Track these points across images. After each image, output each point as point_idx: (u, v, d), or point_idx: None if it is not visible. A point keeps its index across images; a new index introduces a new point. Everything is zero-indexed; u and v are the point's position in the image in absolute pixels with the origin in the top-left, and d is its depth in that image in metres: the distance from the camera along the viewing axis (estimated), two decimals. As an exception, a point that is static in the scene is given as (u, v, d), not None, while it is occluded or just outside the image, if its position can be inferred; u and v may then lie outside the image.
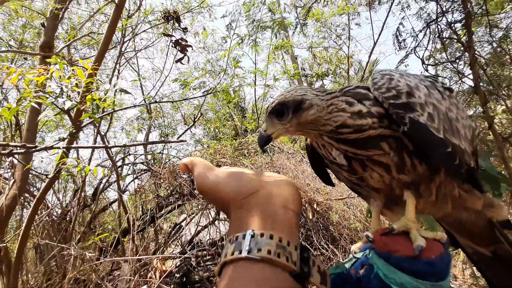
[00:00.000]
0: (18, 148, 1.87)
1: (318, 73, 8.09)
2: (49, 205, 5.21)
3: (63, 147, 1.92)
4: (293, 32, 8.13)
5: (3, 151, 1.90)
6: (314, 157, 0.88)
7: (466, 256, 0.90)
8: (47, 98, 1.61)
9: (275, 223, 0.57)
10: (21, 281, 3.72)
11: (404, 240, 0.62)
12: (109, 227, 6.50)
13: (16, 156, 3.02)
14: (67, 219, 4.90)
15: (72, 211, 4.79)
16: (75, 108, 2.12)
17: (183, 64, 3.08)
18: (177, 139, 5.97)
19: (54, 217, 5.10)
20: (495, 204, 0.79)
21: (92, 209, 6.15)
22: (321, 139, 0.75)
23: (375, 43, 5.30)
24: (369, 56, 6.18)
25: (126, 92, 2.02)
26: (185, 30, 3.15)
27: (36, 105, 1.62)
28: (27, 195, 4.64)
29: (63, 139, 1.90)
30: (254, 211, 0.58)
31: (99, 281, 3.28)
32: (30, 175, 4.06)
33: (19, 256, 2.40)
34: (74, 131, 1.92)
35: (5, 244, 2.76)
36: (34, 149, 1.90)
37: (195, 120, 2.74)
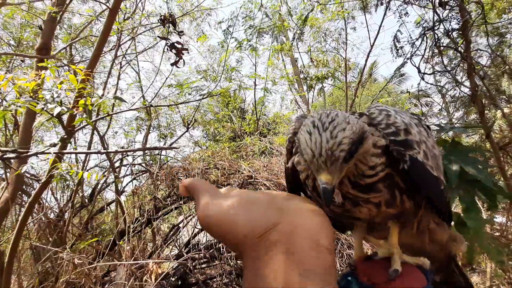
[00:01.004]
0: (10, 152, 1.84)
1: (318, 76, 8.09)
2: (46, 206, 5.20)
3: (54, 153, 1.90)
4: (293, 40, 8.10)
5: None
6: (292, 180, 0.81)
7: None
8: (37, 104, 1.59)
9: (306, 271, 0.43)
10: (17, 283, 3.71)
11: (384, 269, 0.61)
12: (106, 228, 6.47)
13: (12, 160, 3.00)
14: (63, 220, 4.88)
15: (67, 212, 4.77)
16: (68, 113, 2.10)
17: (178, 67, 3.06)
18: (175, 141, 5.96)
19: (50, 218, 5.10)
20: (458, 239, 0.85)
21: (89, 210, 6.14)
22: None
23: (372, 46, 5.28)
24: (366, 59, 6.16)
25: (121, 100, 2.00)
26: (180, 33, 3.13)
27: (20, 112, 1.61)
28: (25, 197, 4.63)
29: (55, 145, 1.88)
30: (275, 255, 0.44)
31: (91, 285, 3.26)
32: (27, 178, 4.04)
33: (11, 258, 2.39)
34: (65, 136, 1.90)
35: (-2, 247, 2.74)
36: (25, 154, 1.88)
37: (189, 126, 2.73)
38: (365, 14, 6.81)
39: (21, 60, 4.46)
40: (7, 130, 4.87)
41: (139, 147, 5.20)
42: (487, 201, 1.67)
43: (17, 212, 5.09)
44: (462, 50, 1.82)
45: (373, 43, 5.81)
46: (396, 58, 3.22)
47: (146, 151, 7.34)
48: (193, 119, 4.10)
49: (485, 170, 1.62)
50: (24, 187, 4.34)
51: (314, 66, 9.58)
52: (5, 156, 1.84)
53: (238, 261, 6.35)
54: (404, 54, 3.03)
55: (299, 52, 9.46)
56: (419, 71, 2.25)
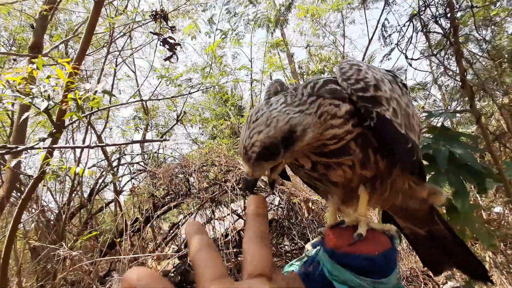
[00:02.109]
0: (0, 148, 1.85)
1: (314, 70, 8.05)
2: (45, 206, 5.22)
3: (44, 148, 1.91)
4: (274, 29, 7.91)
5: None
6: None
7: (404, 236, 0.99)
8: (24, 98, 1.59)
9: None
10: (16, 281, 3.73)
11: (350, 235, 0.61)
12: (106, 228, 6.49)
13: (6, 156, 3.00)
14: (62, 219, 4.90)
15: (66, 212, 4.78)
16: (58, 108, 2.10)
17: (171, 62, 3.05)
18: (166, 132, 5.95)
19: (49, 218, 5.12)
20: (437, 191, 0.86)
21: (88, 210, 6.15)
22: (299, 154, 0.67)
23: (370, 41, 5.25)
24: (364, 54, 6.12)
25: (110, 94, 2.00)
26: (172, 28, 3.13)
27: (10, 106, 1.61)
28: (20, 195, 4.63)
29: (44, 139, 1.88)
30: None
31: (90, 282, 3.27)
32: (22, 175, 4.05)
33: (6, 257, 2.39)
34: (54, 131, 1.89)
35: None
36: (15, 149, 1.88)
37: (179, 118, 2.73)
38: (364, 8, 6.78)
39: (13, 59, 4.47)
40: (5, 131, 4.87)
41: (131, 141, 5.20)
42: (476, 184, 1.66)
43: (13, 212, 5.11)
44: (450, 35, 1.81)
45: (371, 38, 5.80)
46: (384, 47, 3.21)
47: (144, 151, 7.36)
48: (182, 111, 4.09)
49: (474, 154, 1.61)
50: (19, 186, 4.35)
51: (312, 61, 9.57)
52: (-5, 152, 1.84)
53: (238, 258, 6.38)
54: (391, 43, 3.03)
55: (294, 46, 9.43)
56: (406, 57, 2.24)
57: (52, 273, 3.27)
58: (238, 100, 9.95)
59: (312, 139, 0.61)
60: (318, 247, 0.66)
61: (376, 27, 5.05)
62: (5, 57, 4.59)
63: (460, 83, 1.88)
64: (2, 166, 3.11)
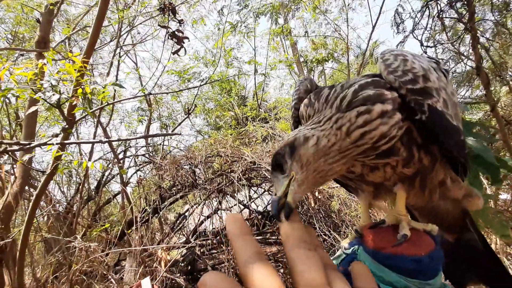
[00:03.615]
0: (13, 145, 1.86)
1: (318, 58, 7.92)
2: (54, 199, 5.30)
3: (56, 143, 1.91)
4: (277, 18, 7.72)
5: (-3, 149, 1.90)
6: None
7: None
8: (35, 93, 1.59)
9: None
10: (31, 273, 3.82)
11: (392, 236, 0.60)
12: (114, 219, 6.59)
13: (17, 153, 3.02)
14: (72, 212, 4.98)
15: (76, 204, 4.85)
16: (68, 103, 2.10)
17: (179, 56, 3.02)
18: (175, 128, 5.95)
19: (59, 211, 5.20)
20: (473, 194, 0.77)
21: (96, 202, 6.24)
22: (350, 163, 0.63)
23: (373, 27, 5.12)
24: (368, 40, 5.99)
25: (120, 86, 1.99)
26: (181, 21, 3.07)
27: (8, 99, 1.60)
28: (32, 190, 4.70)
29: (57, 135, 1.89)
30: None
31: (104, 272, 3.34)
32: (34, 171, 4.09)
33: (22, 250, 2.45)
34: (66, 126, 1.90)
35: (10, 240, 2.81)
36: (28, 146, 1.89)
37: (189, 112, 2.72)
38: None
39: (20, 55, 4.44)
40: (11, 127, 4.90)
41: (142, 135, 5.21)
42: (489, 176, 1.64)
43: (26, 207, 5.21)
44: (466, 21, 1.76)
45: (375, 24, 5.67)
46: (396, 34, 3.11)
47: (150, 142, 7.38)
48: (193, 104, 4.06)
49: (488, 145, 1.59)
50: (32, 182, 4.41)
51: (314, 48, 9.40)
52: (8, 149, 1.85)
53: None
54: (405, 31, 2.93)
55: (297, 36, 9.27)
56: (421, 44, 2.18)
57: (66, 265, 3.35)
58: (241, 89, 9.87)
59: (322, 147, 0.58)
60: (356, 246, 0.64)
61: (380, 13, 4.92)
62: (9, 52, 4.56)
63: (476, 70, 1.84)
64: (14, 162, 3.14)
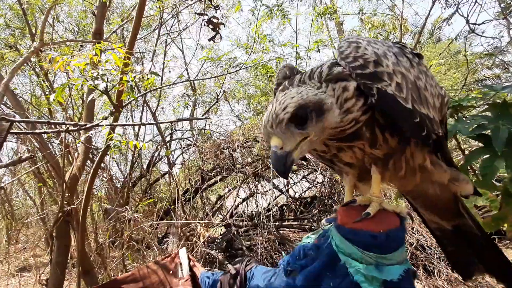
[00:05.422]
0: (72, 126, 2.17)
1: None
2: (113, 176, 6.05)
3: (107, 125, 2.19)
4: None
5: (61, 129, 2.26)
6: None
7: (430, 233, 0.93)
8: (87, 81, 1.84)
9: None
10: (93, 236, 4.47)
11: (358, 214, 0.65)
12: (162, 196, 7.25)
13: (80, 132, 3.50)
14: (126, 187, 5.63)
15: (129, 181, 5.46)
16: (116, 90, 2.37)
17: (215, 42, 3.13)
18: (214, 113, 6.17)
19: (116, 186, 5.94)
20: (461, 178, 0.78)
21: (147, 179, 6.93)
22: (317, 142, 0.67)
23: (433, 2, 4.59)
24: (426, 18, 5.38)
25: (157, 74, 2.18)
26: (216, 7, 3.16)
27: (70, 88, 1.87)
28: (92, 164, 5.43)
29: (106, 118, 2.17)
30: None
31: (150, 241, 3.78)
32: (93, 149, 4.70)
33: (84, 214, 2.90)
34: (113, 110, 2.16)
35: (75, 206, 3.34)
36: (84, 127, 2.20)
37: (218, 98, 2.84)
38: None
39: (80, 46, 5.04)
40: (77, 110, 5.62)
41: (178, 118, 5.57)
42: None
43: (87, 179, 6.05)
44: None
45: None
46: (445, 9, 2.77)
47: (194, 126, 7.85)
48: (221, 90, 4.21)
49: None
50: (93, 157, 5.08)
51: (372, 29, 8.77)
52: (69, 129, 2.17)
53: (280, 231, 6.62)
54: (454, 4, 2.59)
55: (344, 14, 8.71)
56: (467, 22, 1.91)
57: (120, 231, 3.86)
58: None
59: (335, 123, 0.63)
60: (331, 222, 0.71)
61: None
62: (75, 44, 5.19)
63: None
64: (76, 141, 3.66)
